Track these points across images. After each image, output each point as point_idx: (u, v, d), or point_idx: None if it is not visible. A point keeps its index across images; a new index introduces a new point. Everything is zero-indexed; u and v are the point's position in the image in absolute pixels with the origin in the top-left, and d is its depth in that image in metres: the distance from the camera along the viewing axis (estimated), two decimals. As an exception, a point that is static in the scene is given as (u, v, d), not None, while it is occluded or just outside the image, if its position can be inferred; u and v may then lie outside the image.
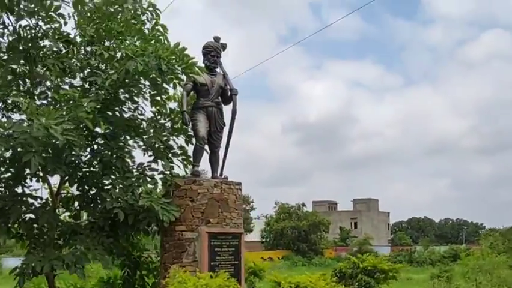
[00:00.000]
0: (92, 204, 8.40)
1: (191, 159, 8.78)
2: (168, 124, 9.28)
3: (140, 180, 7.93)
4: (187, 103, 8.40)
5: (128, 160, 8.42)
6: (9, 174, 8.16)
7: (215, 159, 8.81)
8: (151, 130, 8.65)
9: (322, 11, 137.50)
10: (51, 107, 6.89)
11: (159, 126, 9.14)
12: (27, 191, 8.20)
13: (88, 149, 8.44)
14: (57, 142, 6.68)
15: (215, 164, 8.81)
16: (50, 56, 7.99)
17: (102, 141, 8.38)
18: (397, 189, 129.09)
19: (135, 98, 8.58)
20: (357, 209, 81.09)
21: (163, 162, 8.34)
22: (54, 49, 8.22)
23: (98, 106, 7.53)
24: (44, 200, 8.60)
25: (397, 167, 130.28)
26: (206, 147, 8.67)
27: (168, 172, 8.57)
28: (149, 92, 8.96)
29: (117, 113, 8.31)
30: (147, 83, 8.27)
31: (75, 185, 8.46)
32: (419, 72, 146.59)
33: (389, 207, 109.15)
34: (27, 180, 8.24)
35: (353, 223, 77.70)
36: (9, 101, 7.68)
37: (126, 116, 8.58)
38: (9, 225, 8.05)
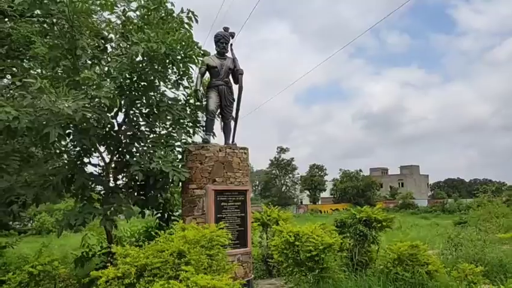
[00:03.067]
0: (125, 169, 8.50)
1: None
2: (192, 101, 9.22)
3: (156, 147, 7.81)
4: (200, 83, 8.25)
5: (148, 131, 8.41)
6: (78, 148, 8.27)
7: (227, 129, 8.43)
8: (175, 107, 8.58)
9: (380, 33, 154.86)
10: (71, 88, 6.92)
11: (182, 103, 9.10)
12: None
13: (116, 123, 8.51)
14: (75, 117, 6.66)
15: (228, 133, 8.44)
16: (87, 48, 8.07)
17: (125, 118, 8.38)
18: (437, 157, 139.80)
19: (156, 81, 8.51)
20: (403, 173, 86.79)
21: (177, 133, 8.21)
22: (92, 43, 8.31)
23: (116, 87, 7.51)
24: (101, 168, 8.89)
25: (438, 141, 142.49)
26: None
27: (184, 140, 8.45)
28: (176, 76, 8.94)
29: (138, 93, 8.27)
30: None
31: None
32: (454, 72, 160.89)
33: (429, 171, 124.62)
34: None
35: (400, 183, 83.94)
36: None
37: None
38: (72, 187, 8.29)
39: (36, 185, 7.86)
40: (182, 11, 8.21)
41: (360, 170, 67.84)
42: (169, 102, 8.27)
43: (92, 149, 8.39)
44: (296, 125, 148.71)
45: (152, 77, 7.99)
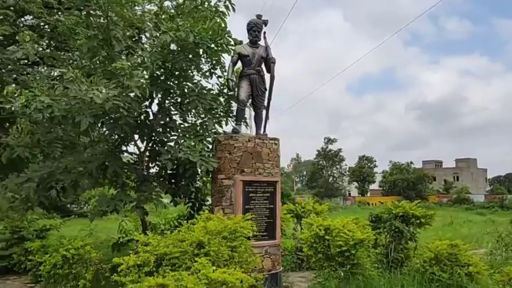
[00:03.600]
0: (157, 158, 8.58)
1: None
2: (225, 91, 9.17)
3: (186, 137, 7.84)
4: (232, 72, 8.05)
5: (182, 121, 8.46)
6: (116, 137, 8.58)
7: (258, 119, 8.22)
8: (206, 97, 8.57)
9: (438, 19, 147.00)
10: (101, 77, 7.05)
11: (215, 93, 9.08)
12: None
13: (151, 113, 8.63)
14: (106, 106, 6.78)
15: (259, 123, 8.22)
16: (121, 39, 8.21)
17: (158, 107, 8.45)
18: (498, 150, 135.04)
19: (189, 71, 8.53)
20: (458, 166, 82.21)
21: (207, 123, 8.19)
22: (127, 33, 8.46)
23: (147, 76, 7.60)
24: (137, 156, 9.12)
25: (499, 133, 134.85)
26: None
27: (215, 130, 8.40)
28: (209, 66, 8.92)
29: (170, 83, 8.31)
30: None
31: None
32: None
33: (488, 165, 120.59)
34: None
35: (455, 177, 79.11)
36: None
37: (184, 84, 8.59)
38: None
39: (75, 171, 8.16)
40: (219, 0, 8.11)
41: (411, 162, 65.51)
42: (201, 91, 8.19)
43: (128, 138, 8.59)
44: (347, 115, 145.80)
45: (183, 66, 7.99)
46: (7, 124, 10.28)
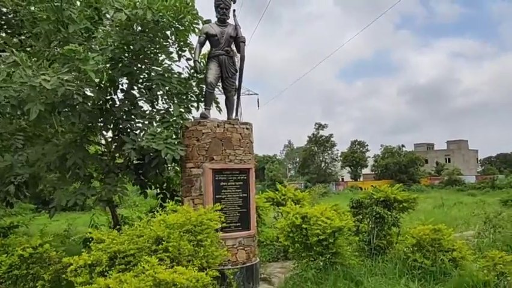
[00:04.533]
0: (122, 147, 8.09)
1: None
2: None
3: (152, 124, 7.36)
4: (199, 53, 7.54)
5: (145, 107, 7.92)
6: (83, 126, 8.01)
7: (229, 103, 7.68)
8: (172, 80, 8.06)
9: (429, 1, 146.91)
10: (54, 62, 6.49)
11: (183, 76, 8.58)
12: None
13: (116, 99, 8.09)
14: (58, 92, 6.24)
15: (230, 107, 7.68)
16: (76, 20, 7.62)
17: (122, 93, 7.91)
18: (490, 132, 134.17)
19: (152, 54, 7.99)
20: (450, 149, 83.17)
21: (172, 108, 7.66)
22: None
23: (106, 60, 7.05)
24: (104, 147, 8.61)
25: (491, 115, 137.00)
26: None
27: (181, 116, 7.86)
28: (176, 47, 8.37)
29: (134, 67, 7.74)
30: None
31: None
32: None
33: (480, 146, 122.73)
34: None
35: (447, 159, 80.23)
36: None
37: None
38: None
39: (34, 164, 7.64)
40: None
41: (403, 146, 65.48)
42: (164, 74, 7.67)
43: (93, 127, 8.09)
44: (340, 100, 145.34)
45: (145, 48, 7.46)
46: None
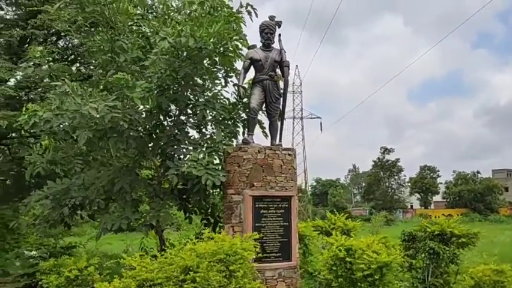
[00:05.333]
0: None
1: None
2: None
3: (193, 149, 7.38)
4: (243, 78, 7.62)
5: (193, 132, 8.06)
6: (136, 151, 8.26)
7: (273, 128, 7.62)
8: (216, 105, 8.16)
9: (509, 17, 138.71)
10: (99, 90, 6.80)
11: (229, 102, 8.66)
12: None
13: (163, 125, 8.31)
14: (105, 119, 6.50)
15: (274, 132, 7.62)
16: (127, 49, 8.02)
17: (170, 119, 8.13)
18: None
19: (198, 79, 8.16)
20: None
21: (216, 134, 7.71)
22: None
23: (153, 86, 7.29)
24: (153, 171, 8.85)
25: None
26: None
27: (224, 141, 7.84)
28: (223, 73, 8.52)
29: (180, 93, 7.94)
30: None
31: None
32: None
33: None
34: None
35: None
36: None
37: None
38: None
39: (89, 188, 8.01)
40: (241, 6, 7.64)
41: (478, 172, 60.96)
42: (208, 100, 7.76)
43: (143, 153, 8.34)
44: (409, 123, 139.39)
45: (190, 74, 7.61)
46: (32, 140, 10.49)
